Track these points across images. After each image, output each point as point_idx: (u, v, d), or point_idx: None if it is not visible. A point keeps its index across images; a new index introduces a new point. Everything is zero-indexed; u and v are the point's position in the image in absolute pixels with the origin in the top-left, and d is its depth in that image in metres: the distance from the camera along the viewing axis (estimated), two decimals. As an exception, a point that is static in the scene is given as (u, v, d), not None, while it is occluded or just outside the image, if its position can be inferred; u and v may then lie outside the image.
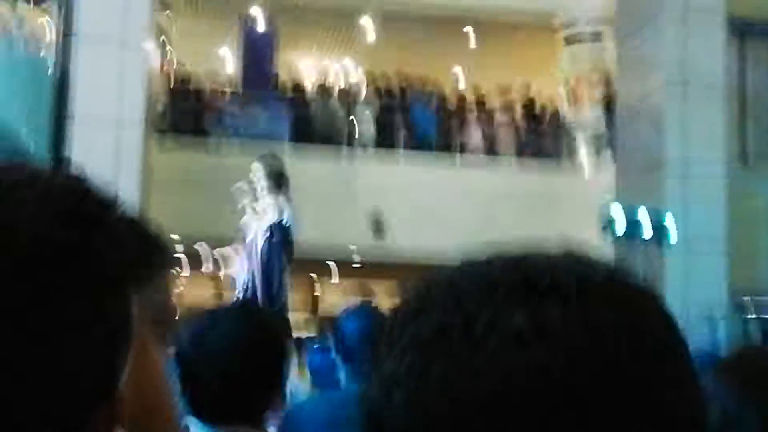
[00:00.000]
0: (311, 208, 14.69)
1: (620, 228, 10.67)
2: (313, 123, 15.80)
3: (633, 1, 13.17)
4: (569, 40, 17.01)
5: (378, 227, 14.79)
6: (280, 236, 6.71)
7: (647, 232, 10.72)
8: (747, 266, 11.69)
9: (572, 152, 16.39)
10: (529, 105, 16.93)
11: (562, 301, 0.62)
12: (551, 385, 0.60)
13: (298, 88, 16.42)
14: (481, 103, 16.82)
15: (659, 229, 10.77)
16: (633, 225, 10.65)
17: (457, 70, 20.02)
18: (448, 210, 14.62)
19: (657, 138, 12.03)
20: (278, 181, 6.83)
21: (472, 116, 16.33)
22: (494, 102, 16.73)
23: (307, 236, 14.61)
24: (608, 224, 10.73)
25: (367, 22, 18.34)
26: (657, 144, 12.00)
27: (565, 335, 0.61)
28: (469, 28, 18.37)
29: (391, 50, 19.46)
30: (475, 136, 16.04)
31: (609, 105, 14.71)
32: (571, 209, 14.82)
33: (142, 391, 0.90)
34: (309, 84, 16.58)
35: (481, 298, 0.63)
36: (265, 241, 6.73)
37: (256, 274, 6.66)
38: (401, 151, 15.75)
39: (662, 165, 11.81)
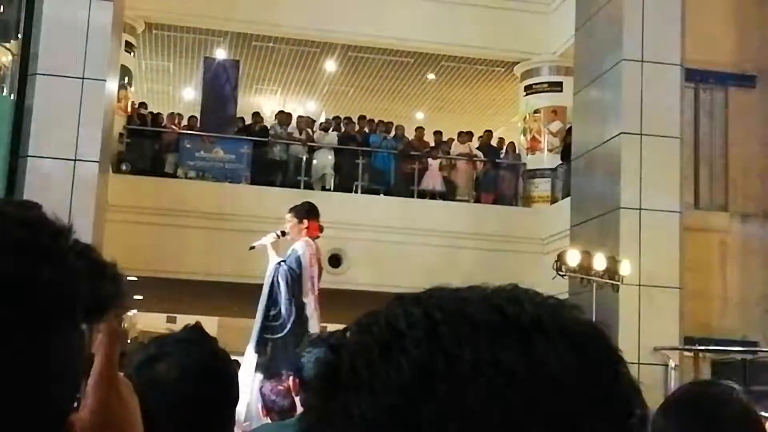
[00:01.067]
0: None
1: (576, 266, 10.78)
2: (273, 163, 15.85)
3: (591, 52, 13.44)
4: (529, 89, 17.29)
5: (336, 261, 14.82)
6: (288, 267, 6.84)
7: (602, 271, 10.85)
8: (699, 305, 11.87)
9: (530, 196, 16.58)
10: (488, 149, 17.13)
11: (548, 339, 0.60)
12: (550, 419, 0.58)
13: (259, 129, 16.47)
14: (441, 145, 16.99)
15: (614, 268, 10.91)
16: (589, 264, 10.77)
17: (419, 113, 20.23)
18: (406, 249, 14.70)
19: (613, 184, 12.23)
20: (306, 227, 7.01)
21: (433, 159, 16.48)
22: (454, 145, 16.90)
23: (265, 268, 14.70)
24: (563, 264, 10.83)
25: (330, 65, 18.50)
26: (613, 190, 12.20)
27: (558, 372, 0.59)
28: (431, 74, 18.60)
29: (354, 93, 19.65)
30: (434, 177, 16.18)
31: (567, 151, 14.93)
32: (528, 251, 14.97)
33: (109, 425, 0.91)
34: (270, 125, 16.65)
35: (461, 336, 0.60)
36: (273, 270, 6.89)
37: (261, 300, 6.93)
38: (360, 191, 15.86)
39: (617, 210, 12.00)
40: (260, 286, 15.50)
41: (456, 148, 16.86)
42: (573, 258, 10.88)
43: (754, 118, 13.33)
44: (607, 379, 0.62)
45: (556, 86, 16.84)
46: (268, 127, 16.47)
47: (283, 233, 7.06)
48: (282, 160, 15.92)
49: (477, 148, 17.01)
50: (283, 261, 6.88)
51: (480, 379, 0.58)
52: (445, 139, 17.16)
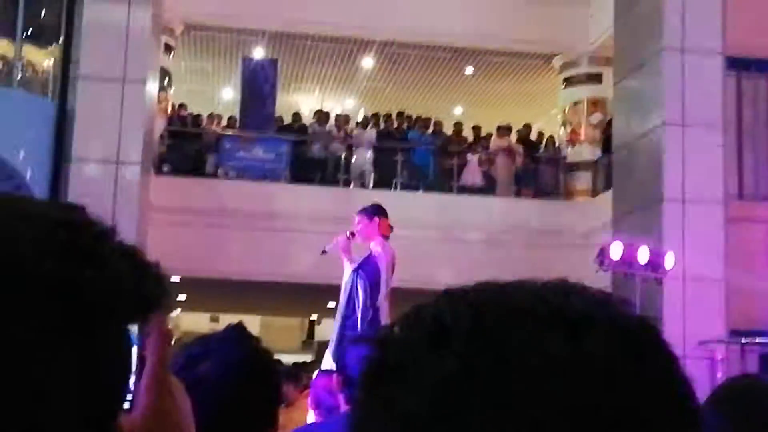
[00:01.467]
0: (312, 241, 14.77)
1: (619, 261, 10.68)
2: (312, 162, 15.91)
3: (631, 42, 13.30)
4: (569, 81, 17.15)
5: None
6: (365, 273, 6.79)
7: (646, 265, 10.73)
8: (743, 298, 11.69)
9: (571, 189, 16.46)
10: (528, 143, 17.04)
11: (597, 331, 0.60)
12: (600, 413, 0.58)
13: (298, 127, 16.55)
14: (480, 140, 16.94)
15: (658, 261, 10.78)
16: (632, 258, 10.66)
17: (457, 108, 20.17)
18: (447, 245, 14.66)
19: (655, 175, 12.10)
20: (379, 224, 6.92)
21: (472, 154, 16.43)
22: (493, 140, 16.83)
23: (307, 267, 14.77)
24: (605, 257, 10.73)
25: (368, 62, 18.51)
26: (655, 181, 12.07)
27: (608, 365, 0.59)
28: (470, 68, 18.53)
29: (391, 89, 19.64)
30: (474, 173, 16.12)
31: (607, 143, 14.80)
32: (570, 244, 14.86)
33: (162, 427, 0.90)
34: (309, 123, 16.72)
35: (507, 327, 0.60)
36: (350, 276, 6.84)
37: (339, 312, 6.87)
38: (399, 188, 15.86)
39: (660, 201, 11.87)
40: (300, 285, 15.60)
41: (495, 142, 16.78)
42: (616, 251, 10.77)
43: (798, 105, 13.11)
44: (659, 373, 0.62)
45: (596, 77, 16.70)
46: (307, 126, 16.53)
47: (353, 234, 6.95)
48: (321, 159, 15.97)
49: (516, 142, 16.92)
50: (360, 268, 6.79)
51: (526, 370, 0.57)
52: (483, 133, 17.11)
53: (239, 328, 2.24)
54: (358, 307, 6.77)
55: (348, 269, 6.88)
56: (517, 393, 0.57)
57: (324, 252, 7.12)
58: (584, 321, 0.60)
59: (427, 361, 0.59)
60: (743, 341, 11.25)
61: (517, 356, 0.58)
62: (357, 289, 6.78)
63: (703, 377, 10.64)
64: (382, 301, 6.81)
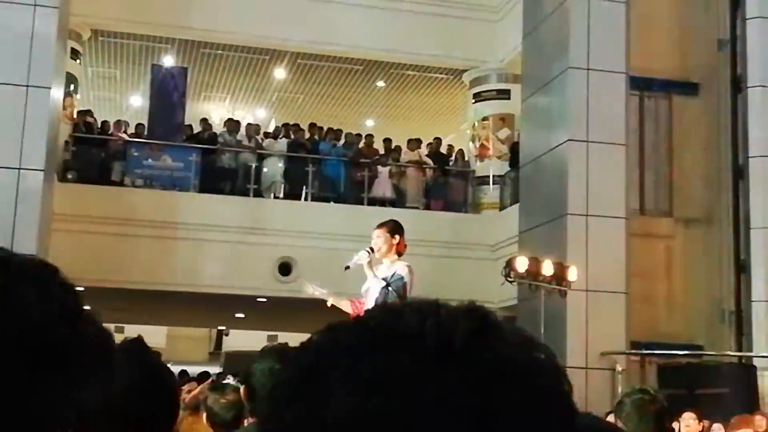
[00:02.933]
0: (221, 251, 14.65)
1: (524, 273, 10.87)
2: (222, 171, 15.77)
3: (538, 60, 13.60)
4: (478, 96, 17.43)
5: (286, 269, 14.80)
6: (395, 291, 6.67)
7: (550, 277, 10.95)
8: (644, 310, 12.05)
9: (479, 203, 16.71)
10: (438, 156, 17.24)
11: (414, 355, 0.62)
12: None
13: (208, 136, 16.38)
14: (391, 153, 17.05)
15: (561, 274, 11.02)
16: (537, 270, 10.86)
17: (368, 121, 20.28)
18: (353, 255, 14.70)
19: (560, 190, 12.38)
20: (397, 243, 6.86)
21: (382, 166, 16.53)
22: (404, 153, 16.97)
23: (215, 277, 14.61)
24: (512, 270, 10.92)
25: (280, 72, 18.46)
26: (560, 195, 12.35)
27: (410, 387, 0.61)
28: (380, 81, 18.66)
29: (303, 100, 19.63)
30: (384, 185, 16.22)
31: (515, 158, 15.08)
32: (478, 257, 15.07)
33: None
34: (219, 132, 16.56)
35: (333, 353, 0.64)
36: (380, 293, 6.72)
37: None
38: (310, 199, 15.85)
39: (565, 215, 12.15)
40: (207, 295, 15.37)
41: (405, 155, 16.93)
42: (521, 264, 10.97)
43: (697, 125, 13.58)
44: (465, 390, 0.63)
45: (504, 94, 17.00)
46: (217, 135, 16.38)
47: (372, 250, 6.92)
48: (231, 168, 15.84)
49: (426, 156, 17.10)
50: (388, 284, 6.72)
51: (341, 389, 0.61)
52: (394, 146, 17.23)
53: (137, 342, 2.21)
54: None
55: (375, 283, 6.82)
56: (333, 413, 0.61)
57: (347, 268, 7.04)
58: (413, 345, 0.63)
59: (299, 389, 0.63)
60: (643, 353, 11.57)
61: (337, 376, 0.62)
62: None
63: (605, 388, 10.93)
64: None
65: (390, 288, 6.64)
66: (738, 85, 13.11)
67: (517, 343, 0.66)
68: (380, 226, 6.99)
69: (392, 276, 6.69)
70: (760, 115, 12.70)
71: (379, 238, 6.84)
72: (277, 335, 20.43)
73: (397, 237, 6.85)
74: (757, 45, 12.85)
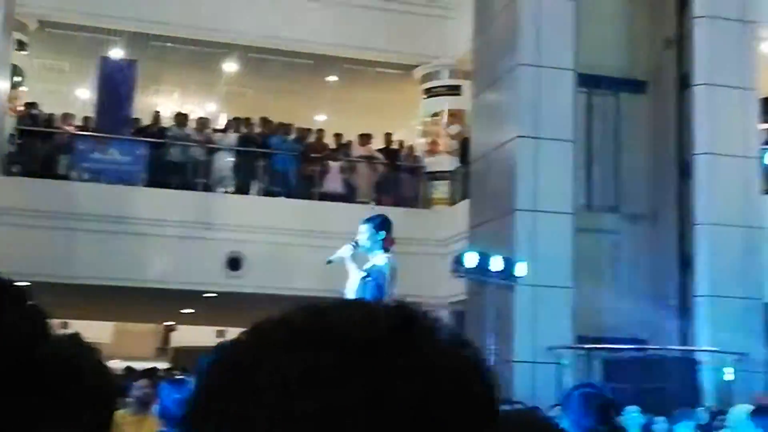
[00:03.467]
0: (169, 246, 14.53)
1: (473, 268, 10.94)
2: (171, 165, 15.63)
3: (489, 57, 13.69)
4: (429, 92, 17.48)
5: (235, 264, 14.73)
6: (374, 282, 6.70)
7: (499, 273, 11.04)
8: (590, 305, 12.21)
9: (430, 198, 16.78)
10: (389, 152, 17.26)
11: (337, 353, 0.63)
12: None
13: (156, 130, 16.22)
14: (342, 148, 17.04)
15: (510, 269, 11.11)
16: (485, 266, 10.94)
17: (320, 115, 20.23)
18: (307, 252, 14.68)
19: (509, 186, 12.49)
20: (382, 239, 6.85)
21: (333, 161, 16.52)
22: (355, 148, 16.97)
23: (163, 272, 14.49)
24: (462, 265, 10.99)
25: (229, 66, 18.34)
26: (509, 191, 12.45)
27: (334, 385, 0.61)
28: (332, 76, 18.62)
29: (254, 94, 19.52)
30: (335, 180, 16.21)
31: (466, 154, 15.16)
32: (428, 252, 15.14)
33: None
34: (168, 126, 16.40)
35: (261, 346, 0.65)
36: (359, 285, 6.74)
37: None
38: (260, 193, 15.78)
39: (513, 211, 12.26)
40: (155, 290, 15.23)
41: (356, 150, 16.93)
42: (470, 259, 11.04)
43: (643, 122, 13.78)
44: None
45: (455, 90, 17.09)
46: (166, 129, 16.23)
47: (357, 244, 6.91)
48: (180, 162, 15.70)
49: (377, 151, 17.12)
50: (368, 276, 6.74)
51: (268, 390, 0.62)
52: (345, 141, 17.22)
53: (74, 339, 2.20)
54: None
55: (356, 277, 6.81)
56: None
57: (330, 262, 7.03)
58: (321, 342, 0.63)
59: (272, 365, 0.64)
60: (589, 347, 11.72)
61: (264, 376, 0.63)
62: (366, 297, 6.75)
63: (551, 382, 11.06)
64: None
65: (368, 279, 6.67)
66: (684, 83, 13.33)
67: (442, 341, 0.66)
68: (367, 220, 6.99)
69: (371, 268, 6.72)
70: (705, 113, 12.93)
71: (363, 234, 6.85)
72: (226, 331, 20.30)
73: (383, 233, 6.87)
74: (703, 44, 13.07)
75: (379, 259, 6.79)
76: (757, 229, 12.77)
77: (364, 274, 6.73)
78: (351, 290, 6.76)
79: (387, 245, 6.90)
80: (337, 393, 0.61)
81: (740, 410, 6.45)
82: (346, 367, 0.62)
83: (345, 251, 6.88)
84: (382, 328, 0.64)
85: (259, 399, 0.62)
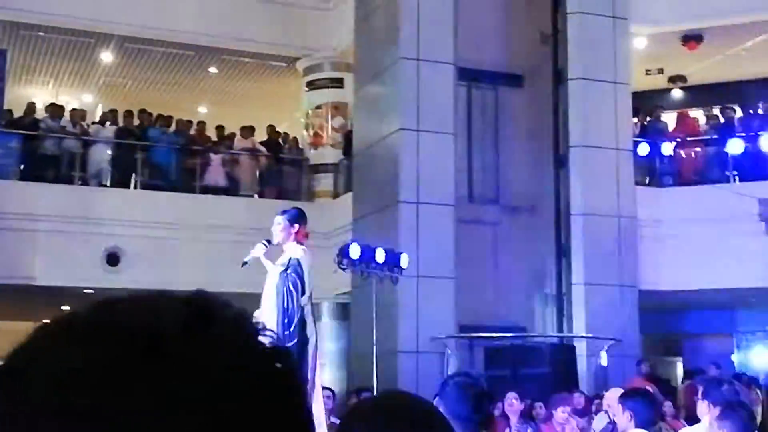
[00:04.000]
0: (44, 241, 14.06)
1: (357, 261, 10.98)
2: (45, 158, 15.11)
3: (370, 50, 13.75)
4: (312, 84, 17.42)
5: (114, 260, 14.38)
6: (294, 274, 6.72)
7: (383, 264, 11.10)
8: (472, 295, 12.44)
9: (313, 191, 16.74)
10: (272, 144, 17.14)
11: (117, 347, 0.59)
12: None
13: (29, 122, 15.64)
14: (224, 140, 16.82)
15: (393, 261, 11.19)
16: (369, 258, 10.99)
17: (201, 107, 19.92)
18: (188, 246, 14.46)
19: (392, 178, 12.59)
20: (296, 231, 6.87)
21: (215, 154, 16.29)
22: (237, 141, 16.78)
23: (39, 269, 14.01)
24: (344, 257, 11.01)
25: (106, 56, 17.84)
26: (392, 184, 12.55)
27: (112, 381, 0.58)
28: (213, 68, 18.34)
29: (133, 85, 19.05)
30: (217, 173, 16.00)
31: (349, 147, 15.20)
32: (312, 245, 15.09)
33: None
34: (42, 118, 15.85)
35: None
36: (279, 278, 6.72)
37: (271, 311, 6.74)
38: (139, 187, 15.43)
39: (396, 203, 12.36)
40: (33, 287, 14.73)
41: (239, 143, 16.75)
42: (354, 251, 11.07)
43: (521, 115, 14.10)
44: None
45: (338, 82, 17.08)
46: (39, 121, 15.68)
47: (269, 242, 6.90)
48: (54, 155, 15.20)
49: (260, 143, 16.98)
50: (286, 270, 6.73)
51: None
52: (227, 133, 17.01)
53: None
54: (291, 306, 6.74)
55: (274, 272, 6.78)
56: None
57: (245, 264, 6.98)
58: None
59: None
60: (471, 336, 11.94)
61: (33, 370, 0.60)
62: (290, 290, 6.74)
63: (435, 371, 11.22)
64: (306, 301, 6.88)
65: (288, 272, 6.70)
66: (560, 77, 13.70)
67: (241, 337, 0.63)
68: (282, 213, 7.03)
69: (288, 261, 6.75)
70: (579, 106, 13.33)
71: (278, 225, 6.87)
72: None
73: (297, 225, 6.89)
74: (577, 39, 13.47)
75: (296, 251, 6.82)
76: (631, 218, 13.26)
77: (282, 268, 6.74)
78: (270, 285, 6.79)
79: (301, 238, 6.91)
80: (112, 389, 0.58)
81: (613, 393, 6.69)
82: (125, 363, 0.58)
83: (258, 250, 6.90)
84: (172, 321, 0.61)
85: (29, 394, 0.59)
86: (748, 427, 4.10)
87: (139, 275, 14.19)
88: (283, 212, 7.05)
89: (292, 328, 6.71)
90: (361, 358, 11.22)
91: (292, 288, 6.74)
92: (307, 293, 6.92)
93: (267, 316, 6.80)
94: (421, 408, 1.51)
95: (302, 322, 6.80)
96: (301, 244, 6.93)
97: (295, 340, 6.72)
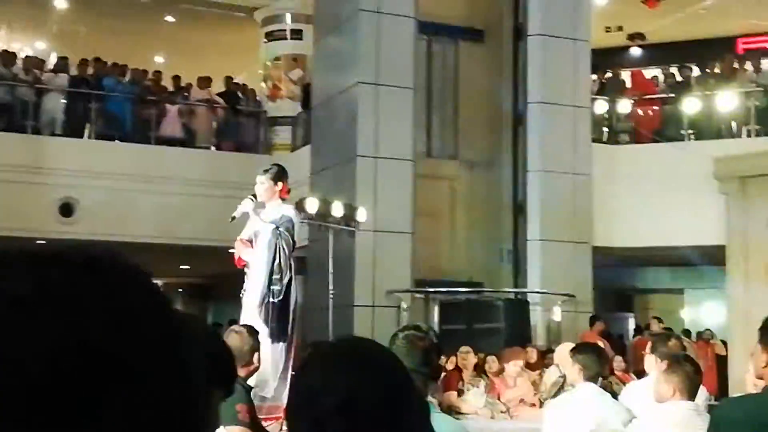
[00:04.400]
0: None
1: (314, 215, 10.95)
2: (-3, 107, 14.81)
3: (330, 2, 13.58)
4: (271, 35, 17.20)
5: (68, 210, 14.19)
6: (287, 232, 6.80)
7: (340, 219, 11.08)
8: (429, 250, 12.48)
9: (271, 144, 16.62)
10: (229, 96, 16.94)
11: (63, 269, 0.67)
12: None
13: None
14: (180, 91, 16.59)
15: (351, 215, 11.18)
16: (327, 212, 10.96)
17: (157, 57, 19.62)
18: (143, 197, 14.32)
19: (350, 132, 12.52)
20: (280, 189, 6.92)
21: (171, 104, 16.07)
22: (194, 92, 16.56)
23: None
24: (301, 211, 10.97)
25: (60, 2, 17.45)
26: (350, 138, 12.49)
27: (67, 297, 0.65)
28: (170, 17, 18.04)
29: (88, 33, 18.68)
30: (173, 124, 15.79)
31: (308, 99, 15.07)
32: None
33: None
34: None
35: None
36: (272, 234, 6.75)
37: (260, 268, 6.78)
38: (93, 137, 15.20)
39: (354, 157, 12.32)
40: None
41: (195, 93, 16.52)
42: (311, 205, 11.02)
43: (481, 71, 14.05)
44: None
45: (297, 34, 16.90)
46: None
47: (255, 197, 6.91)
48: (6, 104, 14.89)
49: (218, 95, 16.77)
50: (277, 226, 6.77)
51: None
52: (184, 84, 16.77)
53: None
54: (284, 263, 6.83)
55: (265, 227, 6.80)
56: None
57: (233, 218, 6.96)
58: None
59: None
60: (427, 290, 12.00)
61: None
62: (282, 247, 6.81)
63: (390, 326, 11.27)
64: (292, 259, 7.01)
65: (280, 229, 6.78)
66: (519, 33, 13.66)
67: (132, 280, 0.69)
68: (264, 172, 7.03)
69: (280, 218, 6.81)
70: (539, 63, 13.31)
71: (262, 185, 6.90)
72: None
73: (280, 183, 6.95)
74: (537, -5, 13.40)
75: (287, 209, 6.94)
76: (585, 176, 13.35)
77: (273, 226, 6.78)
78: (262, 242, 6.81)
79: (284, 194, 6.96)
80: (69, 303, 0.64)
81: (564, 348, 6.79)
82: (73, 280, 0.65)
83: (246, 205, 6.97)
84: (97, 254, 0.69)
85: None
86: (693, 380, 4.18)
87: (94, 226, 14.04)
88: (265, 171, 7.06)
89: (280, 286, 6.78)
90: (316, 312, 11.25)
91: (284, 246, 6.82)
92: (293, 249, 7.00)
93: (256, 271, 6.85)
94: (380, 352, 1.51)
95: (289, 281, 6.90)
96: (284, 200, 6.98)
97: (282, 296, 6.79)
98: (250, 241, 6.92)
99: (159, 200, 14.37)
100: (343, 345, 1.60)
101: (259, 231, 6.87)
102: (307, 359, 1.57)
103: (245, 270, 6.97)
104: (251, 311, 6.80)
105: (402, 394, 1.42)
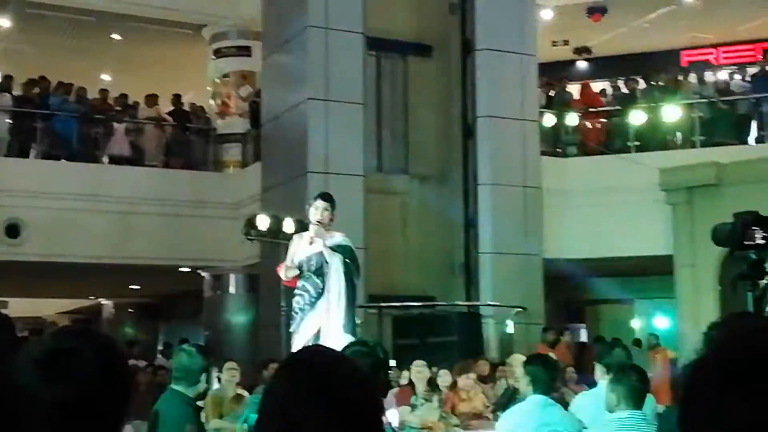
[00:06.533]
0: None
1: (266, 232, 10.91)
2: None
3: (278, 18, 13.56)
4: (219, 52, 17.13)
5: (14, 231, 13.94)
6: (355, 264, 6.85)
7: (291, 235, 11.03)
8: (381, 265, 12.46)
9: (221, 161, 16.52)
10: (178, 113, 16.81)
11: None
12: None
13: None
14: (128, 109, 16.42)
15: (303, 231, 11.13)
16: (278, 229, 10.92)
17: (104, 75, 19.41)
18: (91, 217, 14.14)
19: (301, 148, 12.49)
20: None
21: (118, 123, 15.89)
22: (142, 110, 16.40)
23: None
24: (252, 228, 10.94)
25: (3, 21, 17.21)
26: (301, 154, 12.46)
27: None
28: (116, 34, 17.86)
29: (32, 51, 18.42)
30: (120, 142, 15.61)
31: (257, 116, 15.01)
32: (219, 216, 14.94)
33: None
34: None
35: None
36: (342, 264, 6.74)
37: (331, 298, 6.72)
38: (39, 156, 14.98)
39: (305, 173, 12.28)
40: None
41: (143, 111, 16.37)
42: (262, 222, 10.99)
43: (430, 86, 14.12)
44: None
45: (245, 50, 16.84)
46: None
47: (320, 222, 6.82)
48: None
49: (166, 113, 16.64)
50: (346, 258, 6.80)
51: None
52: (132, 102, 16.61)
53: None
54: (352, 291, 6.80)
55: (335, 258, 6.76)
56: None
57: (311, 243, 6.83)
58: None
59: None
60: (380, 305, 11.98)
61: None
62: (352, 281, 6.83)
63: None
64: None
65: (347, 259, 6.79)
66: (467, 48, 13.76)
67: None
68: (326, 199, 6.97)
69: (343, 248, 6.83)
70: (487, 77, 13.43)
71: (326, 212, 6.86)
72: (7, 301, 19.26)
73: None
74: (484, 10, 13.53)
75: (338, 236, 6.93)
76: (536, 188, 13.46)
77: (336, 254, 6.77)
78: (334, 273, 6.74)
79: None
80: None
81: (517, 359, 6.82)
82: None
83: (319, 239, 6.74)
84: None
85: None
86: (639, 389, 4.22)
87: (41, 247, 13.83)
88: (326, 198, 6.92)
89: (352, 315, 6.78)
90: (269, 329, 11.17)
91: (355, 280, 6.86)
92: None
93: (335, 301, 6.74)
94: (343, 361, 1.52)
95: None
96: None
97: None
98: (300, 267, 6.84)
99: (107, 219, 14.20)
100: (309, 355, 1.61)
101: (317, 257, 6.79)
102: (277, 372, 1.57)
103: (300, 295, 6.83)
104: (339, 336, 6.62)
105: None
